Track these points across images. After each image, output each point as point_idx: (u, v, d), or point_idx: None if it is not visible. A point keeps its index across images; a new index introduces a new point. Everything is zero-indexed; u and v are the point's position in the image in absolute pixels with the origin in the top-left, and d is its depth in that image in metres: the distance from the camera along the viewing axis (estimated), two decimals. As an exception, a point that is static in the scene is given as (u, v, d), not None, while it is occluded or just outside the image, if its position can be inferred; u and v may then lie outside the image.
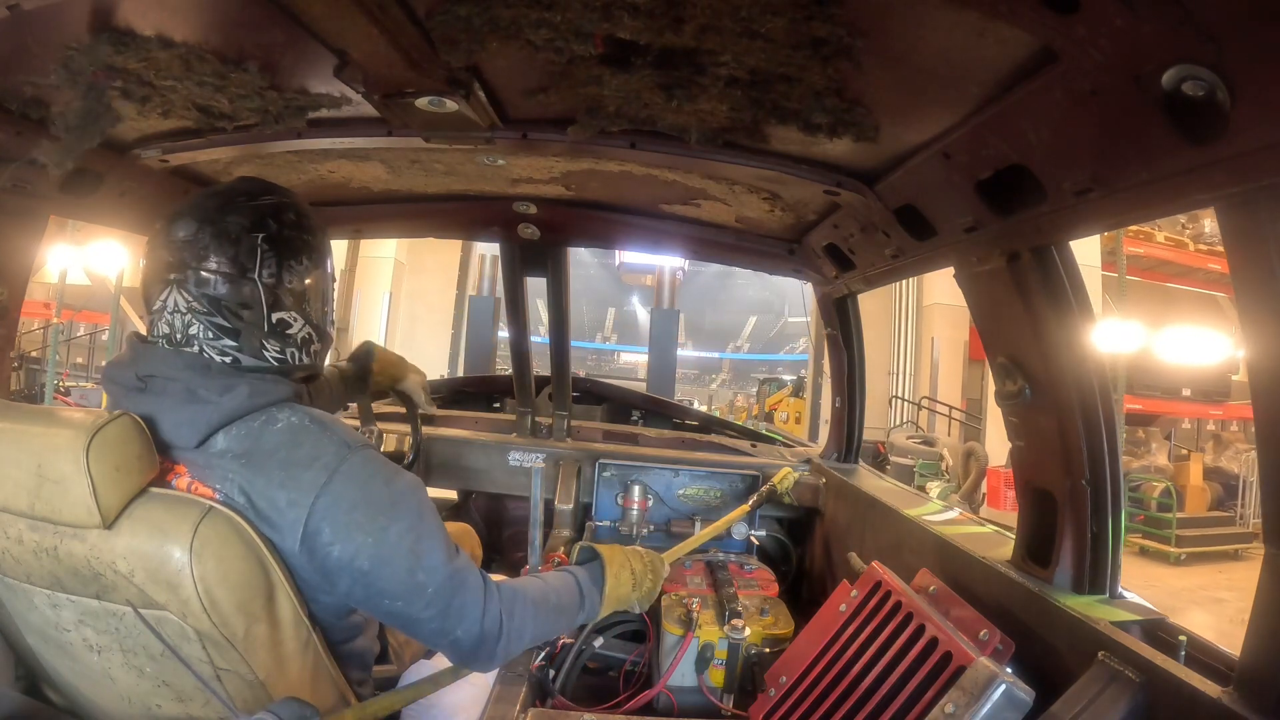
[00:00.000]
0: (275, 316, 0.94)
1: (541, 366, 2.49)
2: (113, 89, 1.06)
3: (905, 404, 11.28)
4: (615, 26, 0.85)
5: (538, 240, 1.99)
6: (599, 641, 1.61)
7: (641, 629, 1.64)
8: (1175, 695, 0.82)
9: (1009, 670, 0.94)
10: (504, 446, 2.29)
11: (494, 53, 0.95)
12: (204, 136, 1.31)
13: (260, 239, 0.92)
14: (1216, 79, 0.61)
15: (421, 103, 1.06)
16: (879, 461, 8.83)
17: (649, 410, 2.86)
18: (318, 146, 1.41)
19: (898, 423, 11.06)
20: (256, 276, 0.92)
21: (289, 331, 0.96)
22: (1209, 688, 0.79)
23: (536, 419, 2.38)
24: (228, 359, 0.92)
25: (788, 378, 16.13)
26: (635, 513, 2.16)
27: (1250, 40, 0.57)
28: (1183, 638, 0.93)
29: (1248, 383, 0.75)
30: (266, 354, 0.95)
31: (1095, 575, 1.09)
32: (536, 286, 2.17)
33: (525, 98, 1.12)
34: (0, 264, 1.30)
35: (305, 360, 1.00)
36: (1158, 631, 0.98)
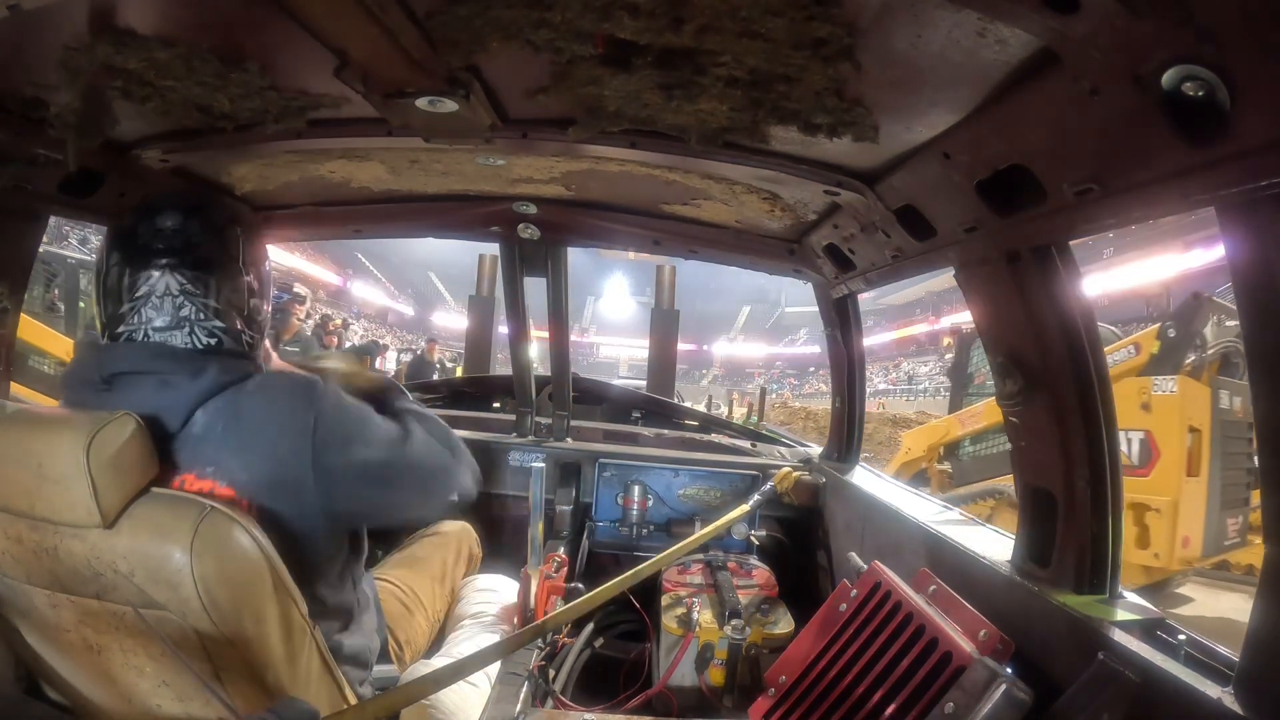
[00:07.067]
0: (251, 302, 1.02)
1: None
2: (113, 89, 1.06)
3: None
4: (615, 27, 0.85)
5: (538, 240, 1.99)
6: (599, 641, 1.61)
7: (641, 629, 1.64)
8: (1175, 696, 0.82)
9: (1009, 670, 0.94)
10: (504, 446, 2.29)
11: (494, 53, 0.95)
12: (204, 136, 1.30)
13: (239, 231, 1.01)
14: (1216, 79, 0.61)
15: (421, 103, 1.06)
16: None
17: (649, 410, 2.86)
18: (318, 146, 1.41)
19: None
20: (240, 264, 1.00)
21: (258, 317, 1.04)
22: (1208, 688, 0.79)
23: (536, 419, 2.39)
24: (214, 340, 0.98)
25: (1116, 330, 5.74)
26: (635, 513, 2.17)
27: (1250, 40, 0.57)
28: (1182, 638, 0.93)
29: (1248, 382, 0.75)
30: (242, 337, 1.01)
31: (1095, 575, 1.09)
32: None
33: (525, 98, 1.12)
34: (0, 264, 1.30)
35: (261, 342, 1.09)
36: (1157, 632, 0.98)
